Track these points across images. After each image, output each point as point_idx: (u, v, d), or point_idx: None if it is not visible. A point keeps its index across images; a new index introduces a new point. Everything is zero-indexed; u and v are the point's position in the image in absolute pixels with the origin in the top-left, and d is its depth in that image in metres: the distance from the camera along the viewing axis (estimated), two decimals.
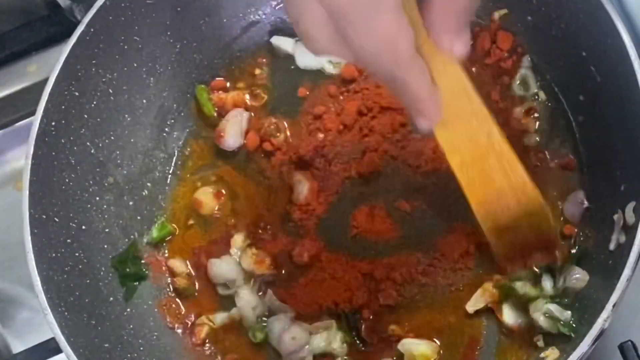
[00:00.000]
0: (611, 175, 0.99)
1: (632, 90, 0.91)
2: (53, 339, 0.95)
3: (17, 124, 1.32)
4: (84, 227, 1.06)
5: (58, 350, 0.96)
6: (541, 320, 0.99)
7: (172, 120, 1.17)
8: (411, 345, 1.03)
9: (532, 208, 0.94)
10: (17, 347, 1.19)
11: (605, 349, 1.02)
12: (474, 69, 1.13)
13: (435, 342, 1.04)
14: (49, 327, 0.94)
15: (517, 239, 0.97)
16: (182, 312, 1.10)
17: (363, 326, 1.06)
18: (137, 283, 1.09)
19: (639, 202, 0.91)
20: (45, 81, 1.03)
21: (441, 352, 1.04)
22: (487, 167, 0.90)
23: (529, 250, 1.00)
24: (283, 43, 1.18)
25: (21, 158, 1.02)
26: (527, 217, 0.94)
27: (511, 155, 0.90)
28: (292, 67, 1.18)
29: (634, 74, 0.91)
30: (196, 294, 1.11)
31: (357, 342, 1.06)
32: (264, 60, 1.20)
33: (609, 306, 0.85)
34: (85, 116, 1.07)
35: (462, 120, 0.86)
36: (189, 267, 1.12)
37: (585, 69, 1.02)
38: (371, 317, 1.06)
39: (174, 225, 1.14)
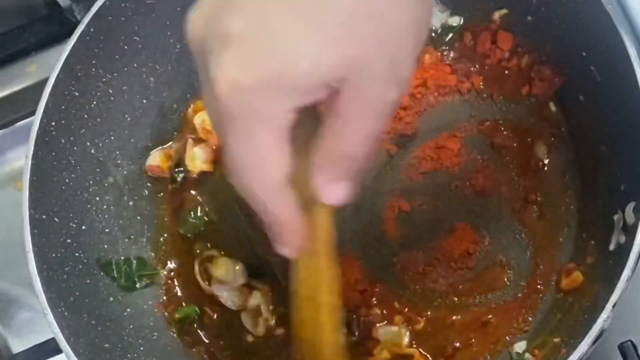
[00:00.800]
0: (611, 176, 0.99)
1: (632, 91, 0.91)
2: (53, 339, 0.95)
3: (17, 124, 1.32)
4: (84, 227, 1.06)
5: (58, 350, 0.96)
6: None
7: (172, 121, 1.17)
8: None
9: None
10: (17, 347, 1.19)
11: (605, 349, 1.02)
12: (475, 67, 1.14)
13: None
14: (49, 327, 0.94)
15: None
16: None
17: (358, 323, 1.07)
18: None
19: (638, 202, 0.90)
20: (45, 81, 1.03)
21: None
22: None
23: None
24: None
25: (21, 158, 1.02)
26: None
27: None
28: None
29: (634, 74, 0.91)
30: None
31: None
32: None
33: (608, 306, 0.85)
34: (85, 116, 1.07)
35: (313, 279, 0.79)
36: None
37: (585, 69, 1.01)
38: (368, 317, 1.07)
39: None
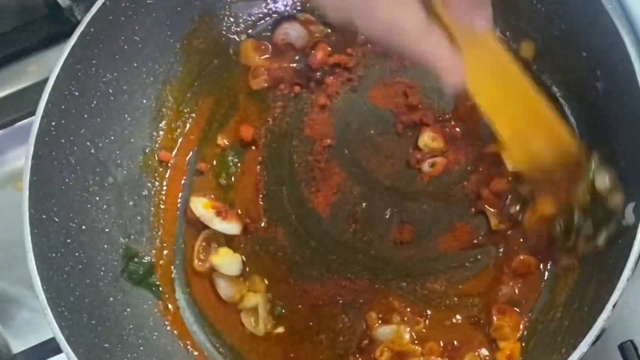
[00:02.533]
0: None
1: (632, 91, 0.91)
2: (53, 339, 0.95)
3: (17, 124, 1.31)
4: (84, 227, 1.06)
5: (58, 350, 0.96)
6: None
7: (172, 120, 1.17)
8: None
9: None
10: (17, 347, 1.19)
11: (605, 349, 1.02)
12: None
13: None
14: (49, 327, 0.94)
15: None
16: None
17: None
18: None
19: (638, 202, 0.90)
20: (45, 81, 1.03)
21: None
22: (520, 110, 0.89)
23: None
24: None
25: (21, 158, 1.02)
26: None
27: (546, 108, 0.89)
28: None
29: (634, 74, 0.91)
30: None
31: None
32: (266, 56, 1.20)
33: (609, 306, 0.85)
34: (85, 116, 1.07)
35: (494, 78, 0.86)
36: None
37: (586, 69, 1.01)
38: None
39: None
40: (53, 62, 1.03)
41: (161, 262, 1.13)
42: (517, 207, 1.06)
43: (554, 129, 0.89)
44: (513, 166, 0.98)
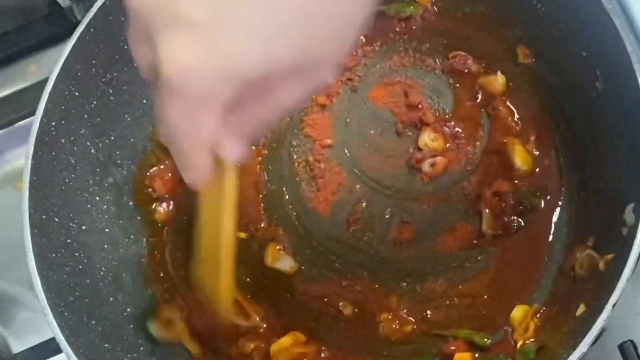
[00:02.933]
0: (611, 176, 0.99)
1: (632, 91, 0.91)
2: (53, 339, 0.94)
3: (17, 124, 1.31)
4: (84, 227, 1.06)
5: (58, 350, 0.96)
6: None
7: None
8: None
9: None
10: (17, 347, 1.19)
11: (605, 349, 1.01)
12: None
13: None
14: (49, 327, 0.94)
15: None
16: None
17: None
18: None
19: (638, 202, 0.90)
20: (45, 81, 1.03)
21: None
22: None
23: None
24: None
25: (21, 158, 1.02)
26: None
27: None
28: None
29: (634, 74, 0.91)
30: None
31: None
32: None
33: (609, 306, 0.84)
34: (85, 116, 1.07)
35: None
36: None
37: (585, 69, 1.01)
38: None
39: None
40: (53, 62, 1.03)
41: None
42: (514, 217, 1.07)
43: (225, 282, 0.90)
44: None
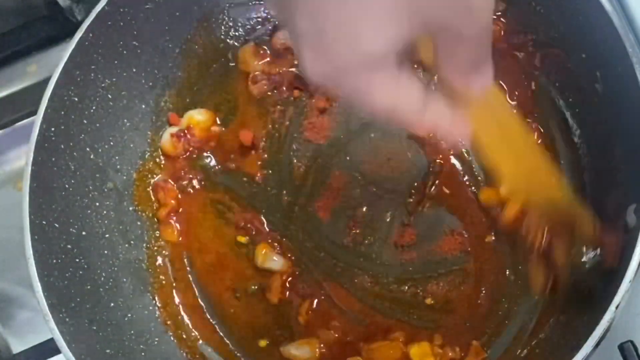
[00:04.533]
0: (611, 177, 0.99)
1: (633, 91, 0.91)
2: (53, 339, 0.95)
3: (17, 124, 1.32)
4: (84, 232, 1.06)
5: (58, 351, 0.95)
6: None
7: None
8: None
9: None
10: (17, 347, 1.19)
11: (605, 349, 1.00)
12: None
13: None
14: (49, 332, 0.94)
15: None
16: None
17: None
18: None
19: (639, 204, 0.90)
20: (45, 81, 1.03)
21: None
22: (521, 158, 0.90)
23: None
24: None
25: (21, 158, 1.02)
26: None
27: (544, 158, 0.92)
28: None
29: (635, 75, 0.90)
30: None
31: None
32: (265, 61, 1.20)
33: (612, 307, 0.85)
34: (85, 122, 1.07)
35: (497, 131, 0.86)
36: None
37: (585, 71, 1.01)
38: None
39: None
40: (53, 62, 1.03)
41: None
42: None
43: (549, 179, 0.90)
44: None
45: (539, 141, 1.08)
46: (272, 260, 1.10)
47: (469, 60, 0.72)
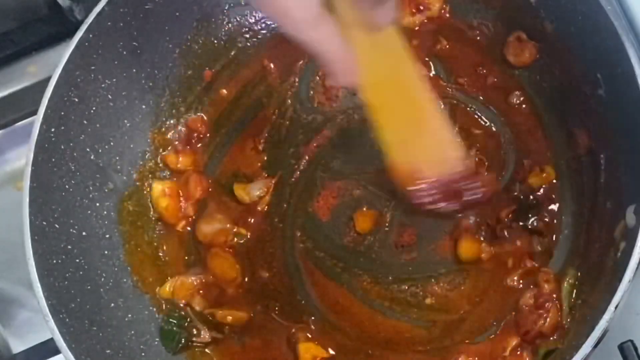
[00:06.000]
0: (611, 178, 0.99)
1: (633, 92, 0.91)
2: (53, 339, 0.95)
3: (17, 124, 1.32)
4: (84, 233, 1.06)
5: (58, 351, 0.95)
6: None
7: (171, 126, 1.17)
8: None
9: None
10: (17, 347, 1.19)
11: (605, 349, 1.00)
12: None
13: None
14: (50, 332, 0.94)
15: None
16: None
17: None
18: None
19: (639, 204, 0.90)
20: (45, 81, 1.03)
21: None
22: (409, 114, 0.91)
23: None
24: None
25: (21, 158, 1.02)
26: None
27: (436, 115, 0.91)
28: None
29: (634, 75, 0.91)
30: None
31: None
32: (266, 62, 1.20)
33: (611, 307, 0.85)
34: (85, 122, 1.07)
35: (388, 77, 0.87)
36: None
37: (585, 73, 1.01)
38: None
39: None
40: (53, 62, 1.03)
41: None
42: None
43: (441, 137, 0.90)
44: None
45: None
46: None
47: None
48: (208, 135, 1.18)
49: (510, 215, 1.06)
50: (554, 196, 1.07)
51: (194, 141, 1.17)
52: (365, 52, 0.80)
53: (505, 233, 1.06)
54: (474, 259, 1.06)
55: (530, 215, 1.07)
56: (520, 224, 1.06)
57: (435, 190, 0.99)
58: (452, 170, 0.98)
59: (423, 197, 1.00)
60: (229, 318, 1.09)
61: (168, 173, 1.16)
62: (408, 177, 0.97)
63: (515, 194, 1.08)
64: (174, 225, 1.14)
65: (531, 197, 1.07)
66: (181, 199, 1.14)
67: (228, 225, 1.13)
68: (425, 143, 0.92)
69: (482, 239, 1.07)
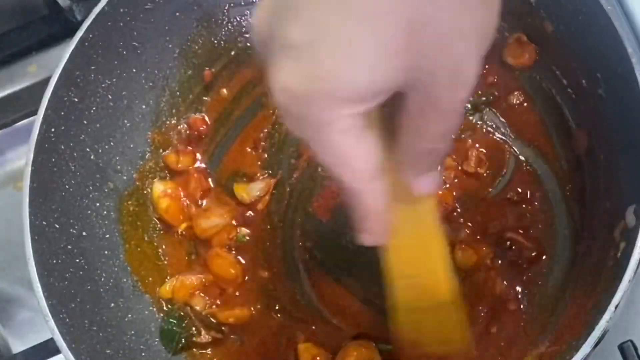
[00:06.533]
0: (611, 178, 0.99)
1: (633, 92, 0.91)
2: (53, 339, 0.95)
3: (17, 124, 1.32)
4: (84, 233, 1.06)
5: (58, 351, 0.95)
6: None
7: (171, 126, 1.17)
8: None
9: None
10: (17, 347, 1.19)
11: (605, 349, 1.01)
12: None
13: None
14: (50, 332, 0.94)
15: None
16: None
17: None
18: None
19: (639, 204, 0.90)
20: (45, 81, 1.03)
21: None
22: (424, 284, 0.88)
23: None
24: None
25: (21, 158, 1.03)
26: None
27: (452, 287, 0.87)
28: None
29: (634, 75, 0.90)
30: None
31: None
32: None
33: (611, 307, 0.84)
34: (85, 122, 1.07)
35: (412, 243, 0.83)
36: None
37: (585, 73, 1.02)
38: None
39: None
40: (53, 62, 1.03)
41: None
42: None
43: (454, 322, 0.90)
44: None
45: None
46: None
47: (423, 159, 0.71)
48: (208, 135, 1.18)
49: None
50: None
51: (194, 141, 1.17)
52: (397, 216, 0.76)
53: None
54: (470, 266, 1.06)
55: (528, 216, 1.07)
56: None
57: None
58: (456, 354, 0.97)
59: None
60: (229, 318, 1.08)
61: (168, 173, 1.16)
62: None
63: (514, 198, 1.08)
64: (175, 226, 1.13)
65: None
66: (182, 199, 1.14)
67: (228, 225, 1.13)
68: (436, 324, 0.92)
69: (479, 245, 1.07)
